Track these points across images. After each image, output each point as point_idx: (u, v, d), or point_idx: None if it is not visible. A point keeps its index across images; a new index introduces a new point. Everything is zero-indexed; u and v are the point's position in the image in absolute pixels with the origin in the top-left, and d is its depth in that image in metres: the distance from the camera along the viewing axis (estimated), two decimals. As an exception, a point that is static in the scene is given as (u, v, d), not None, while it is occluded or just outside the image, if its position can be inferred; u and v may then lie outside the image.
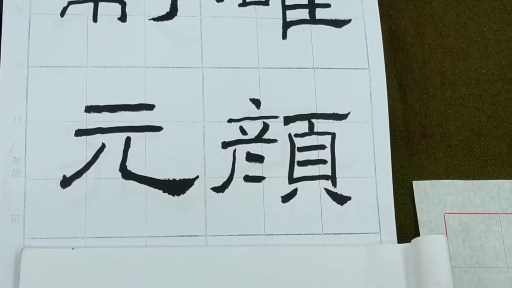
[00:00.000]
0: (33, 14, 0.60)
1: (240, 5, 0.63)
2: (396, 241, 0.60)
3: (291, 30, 0.63)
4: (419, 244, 0.57)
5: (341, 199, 0.60)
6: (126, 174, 0.58)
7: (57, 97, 0.59)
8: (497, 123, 0.65)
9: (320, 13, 0.63)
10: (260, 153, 0.60)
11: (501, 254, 0.61)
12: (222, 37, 0.62)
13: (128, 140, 0.59)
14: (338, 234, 0.59)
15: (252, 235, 0.58)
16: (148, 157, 0.59)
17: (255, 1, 0.63)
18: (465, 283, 0.60)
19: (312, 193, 0.60)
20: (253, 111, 0.61)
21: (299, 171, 0.60)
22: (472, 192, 0.62)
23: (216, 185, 0.59)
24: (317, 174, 0.60)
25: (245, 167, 0.60)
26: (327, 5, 0.64)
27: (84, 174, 0.58)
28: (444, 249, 0.56)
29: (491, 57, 0.67)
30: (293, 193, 0.60)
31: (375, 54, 0.63)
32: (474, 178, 0.63)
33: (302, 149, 0.61)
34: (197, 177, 0.59)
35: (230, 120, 0.60)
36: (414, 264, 0.57)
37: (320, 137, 0.61)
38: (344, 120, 0.61)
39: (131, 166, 0.58)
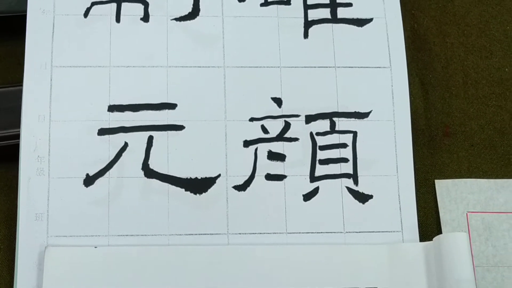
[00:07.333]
0: (57, 15, 0.61)
1: (262, 4, 0.63)
2: (418, 240, 0.59)
3: (312, 29, 0.63)
4: (440, 242, 0.57)
5: (362, 198, 0.60)
6: (149, 172, 0.59)
7: (81, 97, 0.59)
8: (520, 121, 0.65)
9: (341, 12, 0.63)
10: (281, 152, 0.60)
11: (524, 253, 0.61)
12: (244, 36, 0.62)
13: (150, 139, 0.59)
14: (359, 232, 0.59)
15: (274, 233, 0.59)
16: (170, 155, 0.59)
17: (276, 1, 0.63)
18: (488, 282, 0.59)
19: (333, 191, 0.60)
20: (274, 110, 0.61)
21: (320, 170, 0.60)
22: (495, 191, 0.62)
23: (238, 184, 0.59)
24: (339, 172, 0.60)
25: (266, 166, 0.60)
26: (349, 4, 0.64)
27: (107, 173, 0.58)
28: (465, 246, 0.56)
29: (514, 55, 0.67)
30: (315, 191, 0.60)
31: (397, 53, 0.63)
32: (497, 177, 0.63)
33: (323, 147, 0.61)
34: (219, 175, 0.59)
35: (251, 119, 0.60)
36: (436, 262, 0.57)
37: (341, 135, 0.61)
38: (365, 119, 0.61)
39: (153, 164, 0.59)
